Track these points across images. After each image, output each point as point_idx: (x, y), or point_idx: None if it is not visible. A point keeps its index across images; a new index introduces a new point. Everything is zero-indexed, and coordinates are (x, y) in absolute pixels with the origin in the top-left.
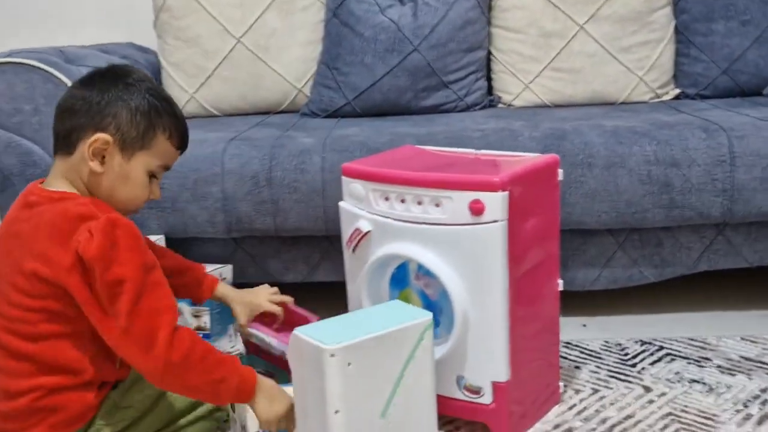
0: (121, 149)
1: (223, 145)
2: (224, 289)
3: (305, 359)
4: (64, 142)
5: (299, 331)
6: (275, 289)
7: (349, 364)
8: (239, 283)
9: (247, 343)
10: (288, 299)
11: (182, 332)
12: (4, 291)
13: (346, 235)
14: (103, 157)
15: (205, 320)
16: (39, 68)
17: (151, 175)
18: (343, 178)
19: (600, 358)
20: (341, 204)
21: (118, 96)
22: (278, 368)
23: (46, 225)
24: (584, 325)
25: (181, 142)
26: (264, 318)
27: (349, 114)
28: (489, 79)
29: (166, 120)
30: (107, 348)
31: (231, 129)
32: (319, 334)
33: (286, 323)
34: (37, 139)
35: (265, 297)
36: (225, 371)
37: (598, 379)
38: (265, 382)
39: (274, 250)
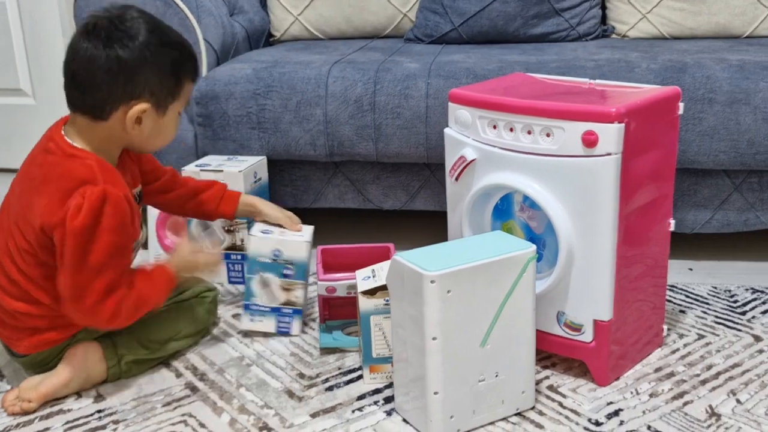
0: (156, 109)
1: (328, 68)
2: (251, 198)
3: (405, 285)
4: (95, 110)
5: (400, 256)
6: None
7: (448, 291)
8: (339, 209)
9: (325, 304)
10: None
11: (121, 302)
12: (17, 225)
13: (450, 162)
14: (142, 120)
15: (297, 294)
16: None
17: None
18: (450, 104)
19: (707, 303)
20: (446, 131)
21: (142, 59)
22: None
23: (53, 179)
24: (690, 269)
25: (198, 76)
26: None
27: (455, 41)
28: (603, 7)
29: (188, 66)
30: None
31: (335, 52)
32: (420, 260)
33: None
34: None
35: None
36: (152, 299)
37: (704, 324)
38: (174, 261)
39: (373, 176)
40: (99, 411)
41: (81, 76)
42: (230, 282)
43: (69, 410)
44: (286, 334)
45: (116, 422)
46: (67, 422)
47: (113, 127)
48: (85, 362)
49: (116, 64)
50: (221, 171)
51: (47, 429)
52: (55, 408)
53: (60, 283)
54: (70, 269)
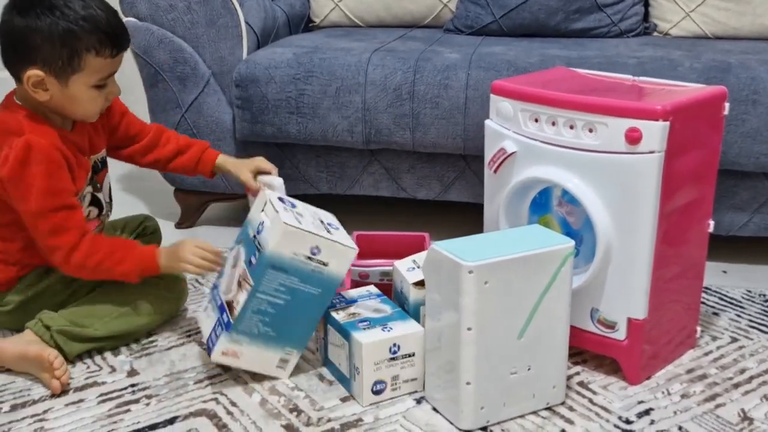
0: (56, 77)
1: (368, 56)
2: (224, 160)
3: (442, 274)
4: (10, 71)
5: (438, 246)
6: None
7: (486, 282)
8: (373, 197)
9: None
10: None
11: (80, 249)
12: None
13: (489, 154)
14: (45, 86)
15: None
16: None
17: (99, 86)
18: (492, 96)
19: (741, 307)
20: (487, 122)
21: (33, 28)
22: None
23: None
24: (725, 272)
25: (116, 49)
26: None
27: (495, 32)
28: (646, 5)
29: (87, 40)
30: None
31: (374, 40)
32: (458, 250)
33: None
34: (188, 37)
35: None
36: (125, 267)
37: (738, 328)
38: (164, 250)
39: (409, 165)
40: (133, 385)
41: None
42: (206, 342)
43: (103, 383)
44: (208, 352)
45: (149, 397)
46: (101, 395)
47: (27, 90)
48: (21, 341)
49: (12, 30)
50: None
51: (82, 400)
52: (90, 381)
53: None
54: (21, 213)
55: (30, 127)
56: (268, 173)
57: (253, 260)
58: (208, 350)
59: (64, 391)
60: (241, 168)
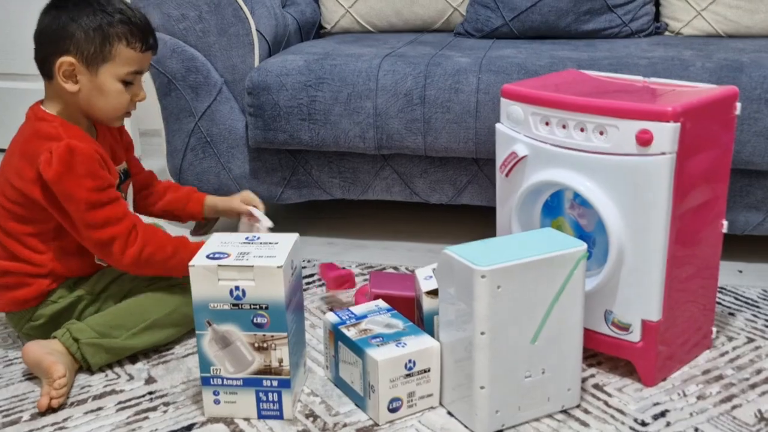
0: (86, 66)
1: (378, 61)
2: (213, 199)
3: (455, 279)
4: (43, 70)
5: (450, 250)
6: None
7: (498, 287)
8: (386, 202)
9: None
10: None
11: (133, 239)
12: (2, 188)
13: (500, 158)
14: (75, 76)
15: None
16: None
17: (126, 82)
18: (502, 99)
19: (757, 306)
20: (498, 126)
21: (70, 18)
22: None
23: (23, 141)
24: (740, 271)
25: (144, 44)
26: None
27: (505, 35)
28: (657, 4)
29: (119, 29)
30: (76, 247)
31: (385, 45)
32: (470, 255)
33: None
34: (200, 46)
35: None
36: (177, 260)
37: (754, 328)
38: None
39: (421, 170)
40: (150, 393)
41: (34, 40)
42: (260, 417)
43: (121, 391)
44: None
45: (166, 404)
46: (120, 402)
47: (60, 86)
48: (45, 348)
49: (49, 24)
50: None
51: (100, 408)
52: (108, 389)
53: (71, 232)
54: (70, 214)
55: (66, 133)
56: (254, 206)
57: (261, 320)
58: (272, 418)
59: (82, 399)
60: (232, 198)
